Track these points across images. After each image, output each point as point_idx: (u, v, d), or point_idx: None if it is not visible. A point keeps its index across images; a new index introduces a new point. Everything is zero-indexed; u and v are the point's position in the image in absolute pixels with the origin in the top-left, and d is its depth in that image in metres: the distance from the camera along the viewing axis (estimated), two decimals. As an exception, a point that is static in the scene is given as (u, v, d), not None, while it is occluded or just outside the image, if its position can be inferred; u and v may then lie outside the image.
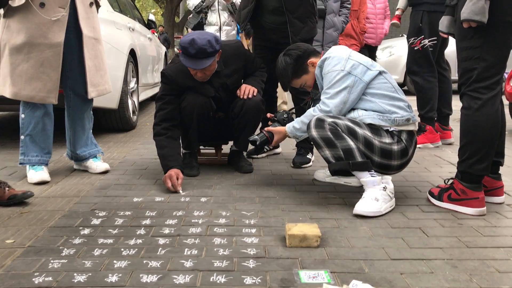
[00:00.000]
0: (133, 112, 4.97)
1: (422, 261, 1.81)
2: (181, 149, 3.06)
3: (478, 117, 2.24)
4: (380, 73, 2.54)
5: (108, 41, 4.10)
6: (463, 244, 1.98)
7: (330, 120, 2.39)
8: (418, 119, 2.78)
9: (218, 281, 1.63)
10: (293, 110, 3.04)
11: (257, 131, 2.94)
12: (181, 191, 2.66)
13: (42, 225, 2.16)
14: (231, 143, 3.33)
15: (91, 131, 3.21)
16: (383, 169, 2.50)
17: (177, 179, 2.69)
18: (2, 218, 2.25)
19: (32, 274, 1.67)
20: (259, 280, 1.63)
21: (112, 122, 4.62)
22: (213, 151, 3.44)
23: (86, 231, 2.08)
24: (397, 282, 1.64)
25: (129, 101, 4.75)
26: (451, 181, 2.48)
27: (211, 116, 3.02)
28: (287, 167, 3.29)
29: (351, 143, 2.37)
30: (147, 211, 2.35)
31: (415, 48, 3.82)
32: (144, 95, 5.96)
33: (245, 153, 3.32)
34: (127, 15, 5.53)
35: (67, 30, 2.83)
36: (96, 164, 3.12)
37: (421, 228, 2.16)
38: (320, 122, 2.40)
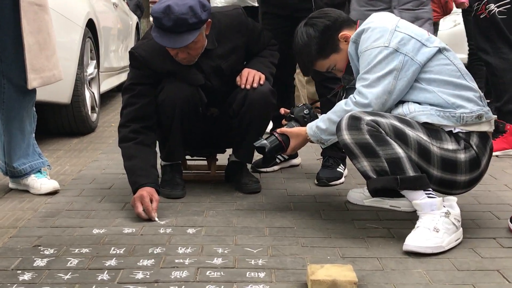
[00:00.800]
0: (92, 108, 5.06)
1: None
2: (158, 160, 3.09)
3: None
4: (440, 50, 2.55)
5: (55, 8, 4.15)
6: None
7: (369, 118, 2.40)
8: (495, 116, 2.78)
9: None
10: (317, 104, 3.06)
11: (266, 133, 2.96)
12: (156, 219, 2.69)
13: (-35, 268, 2.18)
14: (229, 151, 3.36)
15: (34, 135, 3.25)
16: (446, 187, 2.52)
17: (151, 201, 2.72)
18: None
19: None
20: None
21: (64, 123, 4.70)
22: (205, 162, 3.47)
23: (27, 276, 2.11)
24: None
25: (87, 93, 4.85)
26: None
27: (200, 113, 3.06)
28: (310, 185, 3.33)
29: (399, 150, 2.38)
30: (112, 248, 2.37)
31: (481, 17, 3.84)
32: (108, 84, 6.08)
33: (249, 166, 3.33)
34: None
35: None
36: (41, 182, 3.16)
37: (499, 270, 2.17)
38: (354, 122, 2.41)
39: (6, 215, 2.80)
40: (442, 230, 2.35)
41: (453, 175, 2.47)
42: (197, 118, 3.05)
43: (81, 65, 4.64)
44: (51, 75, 3.10)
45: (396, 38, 2.53)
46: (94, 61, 5.19)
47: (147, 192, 2.74)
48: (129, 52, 2.97)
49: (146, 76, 2.95)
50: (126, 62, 6.83)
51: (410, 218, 2.59)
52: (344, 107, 2.57)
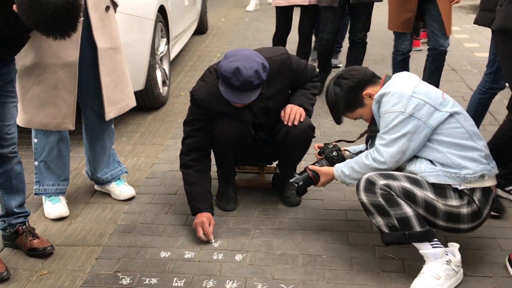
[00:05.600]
0: (163, 82, 5.29)
1: None
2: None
3: None
4: (452, 115, 2.71)
5: (128, 12, 4.37)
6: None
7: (382, 183, 2.63)
8: (497, 171, 2.80)
9: None
10: (346, 145, 3.26)
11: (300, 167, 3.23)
12: (213, 241, 3.05)
13: (63, 299, 2.63)
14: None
15: (113, 146, 3.60)
16: (450, 231, 2.77)
17: (209, 225, 3.08)
18: (22, 283, 2.75)
19: None
20: None
21: (139, 102, 4.94)
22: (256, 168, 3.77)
23: (109, 312, 2.54)
24: None
25: (158, 73, 5.07)
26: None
27: (249, 143, 3.32)
28: (343, 194, 3.56)
29: (407, 210, 2.62)
30: (175, 279, 2.76)
31: None
32: (178, 47, 6.25)
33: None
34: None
35: (81, 44, 3.14)
36: (120, 190, 3.55)
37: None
38: (370, 186, 2.65)
39: (92, 229, 3.22)
40: (443, 276, 2.62)
41: (457, 225, 2.70)
42: (246, 148, 3.32)
43: (153, 54, 4.86)
44: (125, 104, 3.42)
45: (412, 104, 2.68)
46: (165, 39, 5.37)
47: (206, 218, 3.09)
48: (190, 93, 3.19)
49: (204, 114, 3.20)
50: (192, 18, 6.99)
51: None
52: (364, 160, 2.79)
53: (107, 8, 3.23)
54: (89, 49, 3.18)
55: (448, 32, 4.63)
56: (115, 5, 3.32)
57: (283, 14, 5.39)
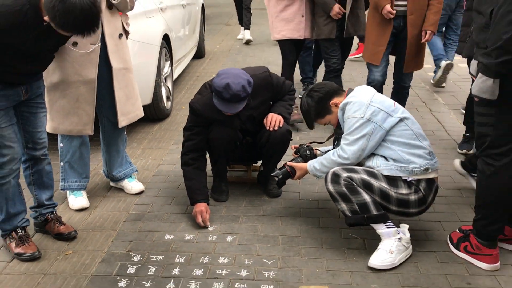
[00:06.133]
0: (167, 98, 5.40)
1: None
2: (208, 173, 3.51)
3: (490, 183, 2.56)
4: (402, 119, 2.85)
5: (139, 39, 4.50)
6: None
7: (345, 175, 2.77)
8: (438, 165, 2.92)
9: None
10: (317, 146, 3.38)
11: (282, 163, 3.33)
12: (209, 226, 3.16)
13: (85, 272, 2.74)
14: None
15: (125, 149, 3.71)
16: (402, 215, 2.89)
17: (206, 213, 3.19)
18: (51, 259, 2.86)
19: None
20: None
21: (147, 114, 5.05)
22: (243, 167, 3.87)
23: (123, 283, 2.64)
24: None
25: (163, 90, 5.18)
26: (469, 232, 2.83)
27: (238, 145, 3.44)
28: (316, 187, 3.68)
29: (366, 197, 2.75)
30: (177, 256, 2.87)
31: None
32: (180, 69, 6.35)
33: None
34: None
35: (99, 64, 3.26)
36: (131, 185, 3.65)
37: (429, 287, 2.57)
38: (336, 177, 2.78)
39: (109, 217, 3.33)
40: (395, 251, 2.75)
41: (406, 209, 2.84)
42: (235, 149, 3.45)
43: (158, 72, 4.98)
44: (135, 115, 3.54)
45: (370, 111, 2.83)
46: (168, 62, 5.48)
47: (204, 207, 3.21)
48: (189, 104, 3.31)
49: (200, 121, 3.32)
50: (191, 44, 7.07)
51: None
52: (331, 157, 2.92)
53: (120, 35, 3.35)
54: (105, 69, 3.30)
55: (414, 68, 4.39)
56: (127, 33, 3.44)
57: (287, 44, 4.82)
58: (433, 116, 5.12)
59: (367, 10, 4.57)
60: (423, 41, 4.19)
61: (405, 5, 4.10)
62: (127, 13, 3.46)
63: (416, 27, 4.14)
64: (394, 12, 4.07)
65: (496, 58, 2.28)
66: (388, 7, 4.05)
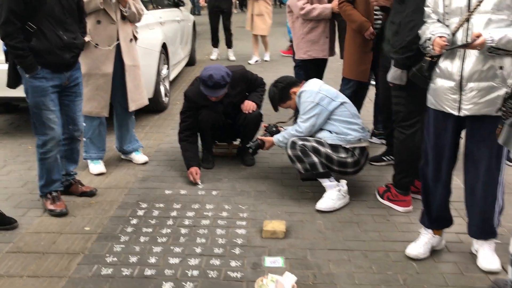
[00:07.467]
0: (165, 94, 5.87)
1: (346, 251, 2.77)
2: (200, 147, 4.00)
3: (402, 148, 3.10)
4: (342, 103, 3.38)
5: (142, 45, 4.94)
6: (381, 237, 2.92)
7: (300, 142, 3.29)
8: (369, 138, 3.56)
9: (215, 264, 2.65)
10: (281, 124, 3.89)
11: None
12: (199, 184, 3.65)
13: (106, 215, 3.21)
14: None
15: (134, 129, 4.17)
16: (342, 174, 3.42)
17: (196, 174, 3.68)
18: (79, 207, 3.32)
19: (104, 255, 2.73)
20: (240, 263, 2.64)
21: (149, 106, 5.46)
22: (226, 143, 4.37)
23: (134, 221, 3.12)
24: (323, 267, 2.62)
25: (162, 88, 5.65)
26: (390, 185, 3.37)
27: (221, 125, 3.94)
28: (281, 158, 4.13)
29: (315, 159, 3.27)
30: (174, 204, 3.36)
31: None
32: (175, 73, 6.81)
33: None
34: (159, 6, 6.30)
35: (114, 61, 3.74)
36: (138, 157, 4.13)
37: (358, 223, 3.09)
38: (293, 145, 3.30)
39: (121, 179, 3.79)
40: (335, 199, 3.27)
41: (345, 169, 3.36)
42: (219, 128, 3.95)
43: (158, 73, 5.45)
44: (141, 102, 4.02)
45: (318, 97, 3.35)
46: (166, 65, 5.96)
47: (195, 169, 3.69)
48: (184, 93, 3.82)
49: (192, 106, 3.82)
50: (185, 52, 7.52)
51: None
52: (290, 131, 3.43)
53: (131, 40, 3.84)
54: (119, 65, 3.78)
55: None
56: (136, 39, 3.94)
57: (311, 63, 4.69)
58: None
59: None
60: None
61: (380, 24, 3.92)
62: (136, 24, 3.95)
63: None
64: (375, 33, 3.97)
65: (402, 54, 2.82)
66: (371, 29, 3.96)
